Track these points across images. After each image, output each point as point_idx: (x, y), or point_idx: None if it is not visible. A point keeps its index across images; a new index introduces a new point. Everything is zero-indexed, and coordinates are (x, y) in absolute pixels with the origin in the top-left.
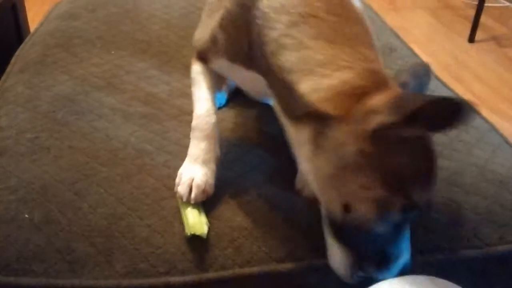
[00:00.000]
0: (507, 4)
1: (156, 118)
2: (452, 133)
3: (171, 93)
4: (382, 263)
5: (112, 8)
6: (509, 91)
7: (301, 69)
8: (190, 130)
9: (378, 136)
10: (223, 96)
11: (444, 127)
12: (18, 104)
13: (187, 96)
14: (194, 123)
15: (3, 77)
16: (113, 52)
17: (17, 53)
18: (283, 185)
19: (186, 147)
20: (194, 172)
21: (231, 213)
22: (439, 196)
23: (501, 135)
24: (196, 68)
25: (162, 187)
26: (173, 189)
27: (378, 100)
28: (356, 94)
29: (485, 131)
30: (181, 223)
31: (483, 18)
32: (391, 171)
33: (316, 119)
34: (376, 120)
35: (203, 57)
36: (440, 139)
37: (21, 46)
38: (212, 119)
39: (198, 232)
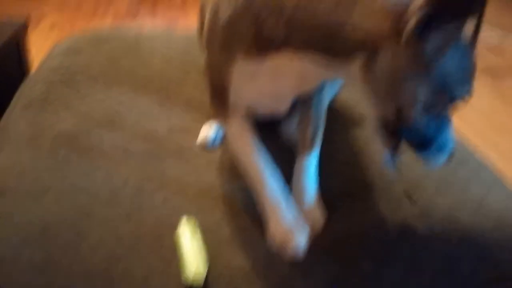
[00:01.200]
0: (502, 34)
1: (156, 155)
2: (448, 168)
3: (171, 129)
4: (430, 146)
5: (113, 44)
6: (501, 122)
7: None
8: (189, 167)
9: (419, 38)
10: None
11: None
12: (21, 142)
13: (187, 131)
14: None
15: (6, 114)
16: (114, 88)
17: (20, 90)
18: None
19: (185, 184)
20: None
21: (230, 254)
22: (434, 234)
23: (495, 172)
24: (236, 131)
25: (160, 225)
26: (170, 226)
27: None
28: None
29: (479, 168)
30: (180, 264)
31: (478, 48)
32: (437, 76)
33: (366, 47)
34: (413, 20)
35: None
36: (436, 175)
37: (24, 83)
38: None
39: (197, 279)
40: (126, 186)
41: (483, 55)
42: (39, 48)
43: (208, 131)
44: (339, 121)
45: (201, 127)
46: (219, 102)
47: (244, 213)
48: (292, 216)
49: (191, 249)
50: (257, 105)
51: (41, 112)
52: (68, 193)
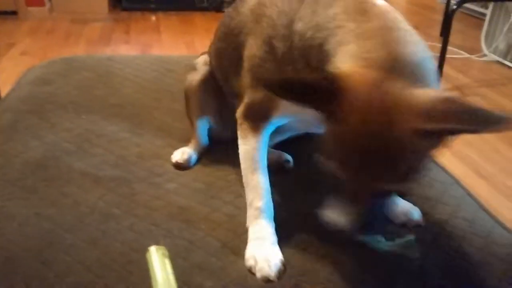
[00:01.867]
0: (467, 55)
1: (126, 181)
2: (418, 189)
3: (141, 155)
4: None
5: (85, 73)
6: (474, 137)
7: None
8: (160, 191)
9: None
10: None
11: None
12: None
13: (158, 156)
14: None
15: None
16: (84, 116)
17: None
18: None
19: (154, 208)
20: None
21: (201, 278)
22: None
23: (464, 188)
24: (251, 146)
25: (128, 251)
26: (139, 251)
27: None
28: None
29: (449, 185)
30: None
31: (446, 69)
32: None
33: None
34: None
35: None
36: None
37: None
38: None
39: None
40: (93, 212)
41: (451, 76)
42: (9, 74)
43: (183, 153)
44: None
45: (172, 152)
46: (256, 115)
47: (214, 236)
48: (273, 241)
49: (160, 281)
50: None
51: (8, 141)
52: (32, 222)
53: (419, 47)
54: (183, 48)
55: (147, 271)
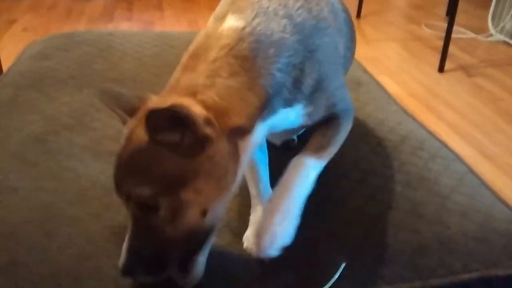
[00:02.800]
0: (473, 35)
1: None
2: (420, 162)
3: None
4: None
5: (85, 47)
6: (478, 117)
7: None
8: None
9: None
10: None
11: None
12: None
13: None
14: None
15: None
16: (85, 91)
17: None
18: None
19: None
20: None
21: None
22: (403, 227)
23: (466, 165)
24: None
25: None
26: None
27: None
28: None
29: (450, 160)
30: None
31: (451, 49)
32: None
33: None
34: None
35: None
36: (408, 169)
37: None
38: None
39: None
40: (95, 186)
41: (457, 56)
42: (11, 51)
43: None
44: None
45: None
46: None
47: None
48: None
49: None
50: None
51: (8, 115)
52: (34, 194)
53: None
54: (186, 26)
55: None
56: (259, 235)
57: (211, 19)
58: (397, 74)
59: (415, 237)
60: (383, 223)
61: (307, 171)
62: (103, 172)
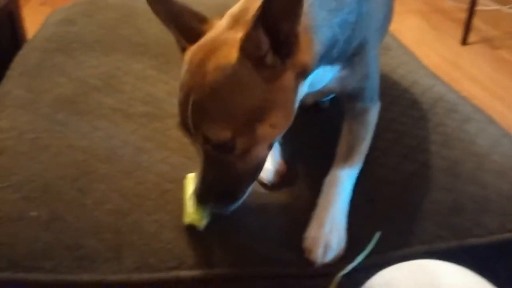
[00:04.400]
0: (498, 7)
1: (157, 116)
2: (455, 124)
3: (169, 92)
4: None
5: (109, 13)
6: (502, 90)
7: None
8: None
9: None
10: None
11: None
12: (19, 107)
13: None
14: None
15: (3, 82)
16: (111, 55)
17: (16, 58)
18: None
19: (187, 143)
20: None
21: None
22: (439, 186)
23: (502, 128)
24: None
25: (163, 182)
26: (174, 182)
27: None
28: None
29: (485, 123)
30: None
31: (474, 21)
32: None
33: None
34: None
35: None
36: (443, 129)
37: (20, 51)
38: None
39: (195, 222)
40: (125, 145)
41: (480, 28)
42: (29, 25)
43: None
44: None
45: None
46: None
47: None
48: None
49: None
50: None
51: (37, 78)
52: (67, 152)
53: None
54: None
55: (183, 200)
56: (313, 250)
57: None
58: (418, 47)
59: (450, 196)
60: (419, 182)
61: (344, 185)
62: (133, 132)
